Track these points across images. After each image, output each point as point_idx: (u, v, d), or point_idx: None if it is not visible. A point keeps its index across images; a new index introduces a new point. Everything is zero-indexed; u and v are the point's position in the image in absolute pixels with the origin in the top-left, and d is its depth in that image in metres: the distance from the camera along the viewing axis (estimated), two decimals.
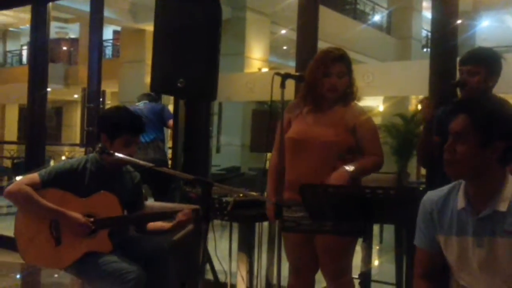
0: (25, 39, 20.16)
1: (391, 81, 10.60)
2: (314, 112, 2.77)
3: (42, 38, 5.89)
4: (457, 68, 2.84)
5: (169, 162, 5.07)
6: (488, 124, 1.71)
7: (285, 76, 2.54)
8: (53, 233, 2.63)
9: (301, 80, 2.73)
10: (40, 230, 2.63)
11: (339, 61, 2.71)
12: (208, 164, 4.79)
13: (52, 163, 9.95)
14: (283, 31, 14.24)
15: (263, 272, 3.79)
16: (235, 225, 3.46)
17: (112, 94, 15.89)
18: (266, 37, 14.40)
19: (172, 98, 5.03)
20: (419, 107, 2.78)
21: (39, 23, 5.88)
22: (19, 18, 18.56)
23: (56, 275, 2.15)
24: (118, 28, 17.24)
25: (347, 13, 16.38)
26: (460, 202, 1.81)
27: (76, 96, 19.02)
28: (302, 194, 2.22)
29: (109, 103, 16.46)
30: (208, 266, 3.30)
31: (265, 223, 3.33)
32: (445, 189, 1.90)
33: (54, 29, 19.66)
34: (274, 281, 3.76)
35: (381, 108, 15.42)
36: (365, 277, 2.31)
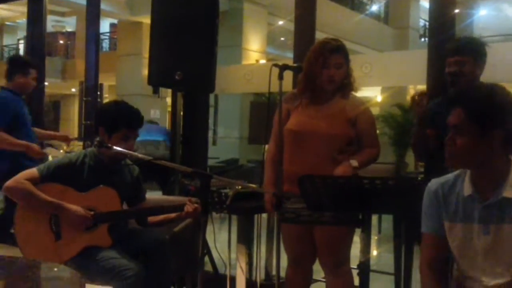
0: (22, 33, 20.10)
1: (389, 71, 10.58)
2: (313, 104, 2.77)
3: (38, 32, 5.87)
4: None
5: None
6: (483, 115, 1.71)
7: (283, 68, 2.54)
8: (52, 228, 2.63)
9: (299, 71, 2.73)
10: (40, 225, 2.63)
11: (337, 52, 2.71)
12: (206, 157, 4.79)
13: (50, 157, 9.93)
14: (281, 22, 14.20)
15: (262, 264, 3.81)
16: (234, 217, 3.47)
17: (110, 88, 15.89)
18: (264, 28, 14.36)
19: (170, 91, 5.02)
20: (411, 103, 2.78)
21: (36, 17, 5.86)
22: (15, 12, 18.50)
23: (56, 269, 2.15)
24: (115, 21, 17.18)
25: (345, 3, 16.32)
26: (467, 189, 1.81)
27: (73, 90, 19.02)
28: (300, 185, 2.23)
29: (106, 96, 16.46)
30: (207, 258, 3.32)
31: (264, 215, 3.34)
32: (450, 176, 1.89)
33: (51, 23, 19.60)
34: (273, 272, 3.78)
35: (379, 98, 15.40)
36: (364, 267, 2.33)
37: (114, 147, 2.58)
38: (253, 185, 2.83)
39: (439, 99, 2.92)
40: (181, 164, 3.80)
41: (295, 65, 2.75)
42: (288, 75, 2.71)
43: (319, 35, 3.39)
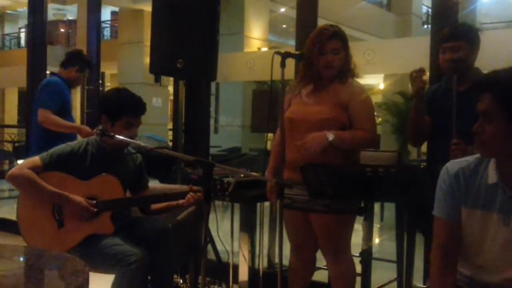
0: (23, 21, 20.03)
1: (392, 58, 10.53)
2: (312, 91, 2.77)
3: (40, 20, 5.85)
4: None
5: (170, 144, 5.09)
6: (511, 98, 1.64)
7: (285, 55, 2.53)
8: (55, 216, 2.64)
9: (301, 59, 2.72)
10: (43, 213, 2.64)
11: (334, 37, 2.71)
12: (208, 145, 4.79)
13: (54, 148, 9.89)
14: (282, 9, 14.12)
15: (265, 252, 3.82)
16: (237, 206, 3.47)
17: (112, 76, 15.86)
18: (265, 15, 14.29)
19: (172, 79, 5.01)
20: (411, 77, 2.76)
21: (37, 5, 5.84)
22: (16, 0, 18.41)
23: (59, 258, 2.16)
24: (116, 9, 17.10)
25: None
26: (492, 176, 1.74)
27: None
28: (303, 173, 2.23)
29: (108, 85, 16.45)
30: (210, 247, 3.32)
31: (267, 203, 3.34)
32: (470, 160, 1.82)
33: (52, 11, 19.54)
34: (276, 260, 3.80)
35: (381, 86, 15.36)
36: (366, 255, 2.33)
37: (117, 136, 2.58)
38: (256, 174, 2.84)
39: (436, 86, 2.91)
40: (183, 153, 3.80)
41: (297, 52, 2.74)
42: (290, 62, 2.70)
43: (321, 22, 3.37)
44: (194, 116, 4.36)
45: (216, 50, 3.56)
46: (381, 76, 14.64)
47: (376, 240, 5.82)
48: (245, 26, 13.55)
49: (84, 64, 4.35)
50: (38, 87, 4.33)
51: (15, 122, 19.29)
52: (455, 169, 1.82)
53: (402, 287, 3.29)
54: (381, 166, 2.13)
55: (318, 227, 2.74)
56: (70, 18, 21.49)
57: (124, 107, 2.70)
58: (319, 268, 3.29)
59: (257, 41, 13.87)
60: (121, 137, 2.59)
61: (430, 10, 14.91)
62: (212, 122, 11.37)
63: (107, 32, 19.94)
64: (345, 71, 2.75)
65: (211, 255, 3.38)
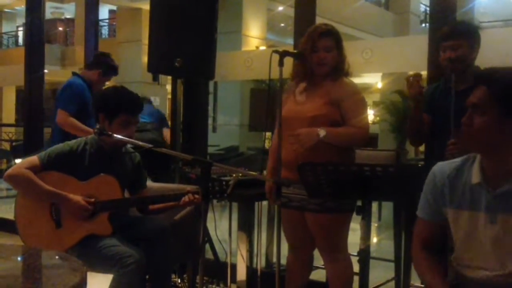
0: (21, 20, 20.01)
1: (390, 57, 10.54)
2: (305, 89, 2.78)
3: (37, 19, 5.84)
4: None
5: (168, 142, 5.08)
6: (508, 94, 1.65)
7: (283, 54, 2.53)
8: (53, 216, 2.63)
9: (299, 58, 2.72)
10: (40, 213, 2.63)
11: (326, 35, 2.71)
12: (206, 144, 4.78)
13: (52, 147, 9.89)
14: (281, 8, 14.11)
15: (263, 251, 3.82)
16: (235, 205, 3.47)
17: None
18: (263, 14, 14.28)
19: (170, 78, 5.00)
20: (408, 83, 2.76)
21: (35, 4, 5.83)
22: None
23: (57, 257, 2.16)
24: (114, 8, 17.08)
25: None
26: (475, 176, 1.76)
27: None
28: (300, 172, 2.22)
29: (106, 83, 16.41)
30: (208, 246, 3.32)
31: (265, 203, 3.34)
32: (457, 161, 1.84)
33: (50, 10, 19.51)
34: (274, 259, 3.79)
35: (379, 85, 15.38)
36: (364, 254, 2.33)
37: (115, 135, 2.58)
38: (254, 173, 2.83)
39: (436, 84, 2.91)
40: (181, 152, 3.80)
41: (295, 51, 2.74)
42: (289, 61, 2.70)
43: (319, 21, 3.37)
44: (192, 115, 4.36)
45: (214, 48, 3.56)
46: (379, 75, 14.66)
47: (374, 239, 5.82)
48: (243, 25, 13.54)
49: (107, 68, 4.27)
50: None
51: (12, 121, 19.27)
52: (440, 171, 1.85)
53: (400, 287, 3.30)
54: (379, 165, 2.13)
55: (313, 226, 2.74)
56: (68, 16, 21.47)
57: (122, 105, 2.69)
58: (317, 268, 3.29)
59: (255, 39, 13.87)
60: (119, 136, 2.58)
61: (428, 8, 14.91)
62: (210, 121, 11.37)
63: (105, 31, 19.92)
64: (338, 70, 2.75)
65: (209, 255, 3.37)
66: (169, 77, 5.12)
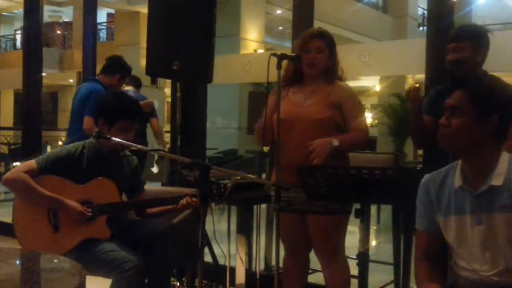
0: (19, 23, 19.98)
1: (388, 61, 10.56)
2: (298, 92, 2.79)
3: (35, 22, 5.83)
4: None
5: (167, 146, 5.08)
6: (484, 96, 1.73)
7: (281, 57, 2.53)
8: (51, 220, 2.63)
9: (297, 61, 2.72)
10: (38, 217, 2.63)
11: (318, 37, 2.75)
12: (205, 147, 4.78)
13: (49, 148, 9.93)
14: (279, 11, 14.14)
15: (262, 254, 3.81)
16: (234, 208, 3.47)
17: None
18: (262, 17, 14.30)
19: (168, 81, 5.00)
20: (409, 95, 2.77)
21: (33, 7, 5.82)
22: (12, 2, 18.38)
23: (56, 260, 2.16)
24: (112, 11, 17.08)
25: None
26: (457, 180, 1.82)
27: (71, 80, 18.92)
28: (299, 176, 2.22)
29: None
30: (207, 249, 3.32)
31: (263, 206, 3.34)
32: (443, 170, 1.91)
33: (48, 13, 19.48)
34: (273, 262, 3.79)
35: (377, 88, 15.39)
36: (363, 257, 2.33)
37: (113, 138, 2.57)
38: (252, 176, 2.83)
39: (440, 86, 2.91)
40: (180, 155, 3.79)
41: (293, 54, 2.74)
42: (285, 64, 2.71)
43: (318, 24, 3.38)
44: (190, 118, 4.35)
45: (212, 52, 3.55)
46: (377, 78, 14.68)
47: (373, 243, 5.82)
48: (241, 28, 13.56)
49: (126, 72, 4.38)
50: (78, 93, 4.31)
51: (11, 124, 19.23)
52: (427, 182, 1.92)
53: None
54: (377, 168, 2.13)
55: (315, 228, 2.74)
56: (66, 20, 21.46)
57: (122, 111, 2.69)
58: (316, 271, 3.29)
59: (253, 43, 13.88)
60: (117, 139, 2.58)
61: (426, 12, 14.94)
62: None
63: (103, 34, 19.92)
64: (331, 73, 2.77)
65: (208, 258, 3.37)
66: (168, 80, 5.12)
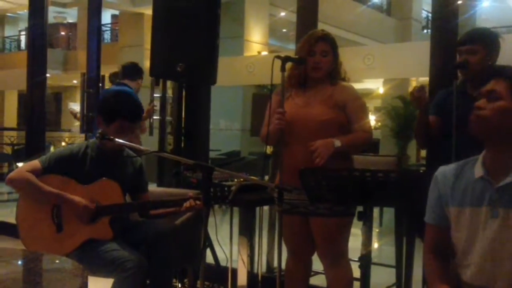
0: (23, 24, 20.06)
1: (391, 63, 10.55)
2: (301, 93, 2.79)
3: (40, 23, 5.85)
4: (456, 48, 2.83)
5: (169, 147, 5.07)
6: None
7: (285, 59, 2.53)
8: (54, 220, 2.63)
9: (301, 63, 2.73)
10: (42, 217, 2.63)
11: (323, 40, 2.75)
12: (208, 149, 4.78)
13: (52, 149, 9.94)
14: (283, 14, 14.15)
15: (264, 256, 3.81)
16: (236, 210, 3.46)
17: None
18: (266, 19, 14.31)
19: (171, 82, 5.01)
20: (412, 96, 2.77)
21: (37, 8, 5.84)
22: (17, 3, 18.42)
23: (58, 261, 2.16)
24: (117, 12, 17.12)
25: None
26: (478, 171, 1.78)
27: (75, 81, 18.98)
28: (302, 178, 2.22)
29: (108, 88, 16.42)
30: (209, 251, 3.32)
31: (266, 207, 3.33)
32: (459, 163, 1.88)
33: (52, 14, 19.54)
34: (275, 264, 3.79)
35: (381, 90, 15.38)
36: (365, 259, 2.32)
37: (116, 139, 2.57)
38: (255, 178, 2.83)
39: (450, 88, 2.90)
40: (182, 156, 3.79)
41: (297, 57, 2.74)
42: (290, 66, 2.71)
43: (321, 27, 3.37)
44: (193, 119, 4.36)
45: (216, 53, 3.56)
46: (381, 80, 14.67)
47: (375, 245, 5.81)
48: (245, 30, 13.57)
49: (142, 76, 4.80)
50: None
51: (14, 125, 19.28)
52: (441, 174, 1.89)
53: None
54: (380, 171, 2.13)
55: (319, 231, 2.73)
56: (71, 21, 21.53)
57: (120, 111, 2.68)
58: (318, 273, 3.28)
59: (257, 45, 13.89)
60: (121, 140, 2.59)
61: (430, 15, 14.93)
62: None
63: (107, 35, 19.95)
64: (334, 75, 2.77)
65: (210, 259, 3.37)
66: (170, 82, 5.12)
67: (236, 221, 3.42)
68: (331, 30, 3.03)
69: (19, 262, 2.12)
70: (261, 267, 3.51)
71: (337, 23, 12.22)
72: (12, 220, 2.78)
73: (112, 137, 2.56)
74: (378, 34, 15.31)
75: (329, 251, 2.76)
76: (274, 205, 2.89)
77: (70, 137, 14.99)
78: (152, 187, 3.10)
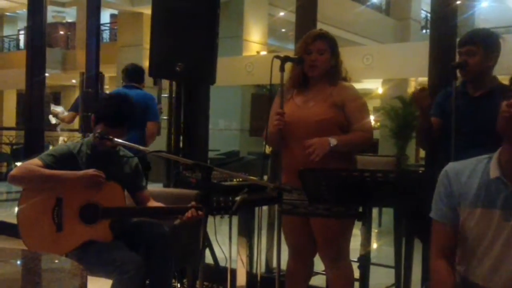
0: (22, 23, 20.03)
1: (390, 63, 10.57)
2: (302, 93, 2.78)
3: (39, 22, 5.84)
4: (456, 49, 2.83)
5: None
6: None
7: (284, 59, 2.53)
8: (54, 219, 2.63)
9: (300, 63, 2.72)
10: (42, 215, 2.62)
11: (319, 38, 2.73)
12: (207, 149, 4.78)
13: (51, 148, 9.90)
14: (282, 13, 14.14)
15: (263, 256, 3.81)
16: None
17: (110, 79, 15.85)
18: (265, 19, 14.32)
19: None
20: (412, 98, 2.78)
21: (36, 8, 5.83)
22: (15, 2, 18.40)
23: (57, 261, 2.16)
24: (116, 12, 17.12)
25: None
26: (493, 171, 1.73)
27: (74, 81, 18.97)
28: (301, 178, 2.22)
29: (107, 87, 16.44)
30: (208, 251, 3.31)
31: (265, 208, 3.33)
32: (470, 161, 1.82)
33: (51, 13, 19.55)
34: (274, 265, 3.79)
35: (380, 90, 15.39)
36: (364, 260, 2.33)
37: (115, 139, 2.57)
38: (254, 178, 2.82)
39: (449, 88, 2.90)
40: (181, 156, 3.79)
41: (296, 57, 2.74)
42: (290, 67, 2.71)
43: (320, 26, 3.37)
44: (192, 119, 4.35)
45: (215, 53, 3.56)
46: (380, 80, 14.67)
47: (374, 245, 5.81)
48: (244, 30, 13.58)
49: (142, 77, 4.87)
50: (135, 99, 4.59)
51: (13, 124, 19.27)
52: (453, 171, 1.82)
53: None
54: (380, 171, 2.13)
55: (319, 231, 2.73)
56: (70, 20, 21.51)
57: (102, 114, 2.69)
58: (317, 273, 3.28)
59: (256, 45, 13.89)
60: (120, 140, 2.58)
61: (429, 15, 14.94)
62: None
63: (106, 35, 19.95)
64: (334, 74, 2.76)
65: (209, 259, 3.37)
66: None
67: (235, 221, 3.42)
68: (330, 30, 3.02)
69: (18, 262, 2.12)
70: (260, 267, 3.51)
71: (336, 23, 12.21)
72: (10, 219, 2.78)
73: (112, 137, 2.56)
74: (377, 34, 15.31)
75: (330, 251, 2.76)
76: (274, 206, 2.89)
77: (69, 137, 14.97)
78: (152, 188, 3.10)
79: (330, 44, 2.75)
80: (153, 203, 2.86)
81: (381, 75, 12.30)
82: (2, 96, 21.53)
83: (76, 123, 6.21)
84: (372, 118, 15.63)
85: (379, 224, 6.56)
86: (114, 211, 2.65)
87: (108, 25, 20.28)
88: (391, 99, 12.68)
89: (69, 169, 2.64)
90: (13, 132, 14.68)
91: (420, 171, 3.95)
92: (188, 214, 2.60)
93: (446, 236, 1.83)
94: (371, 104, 16.98)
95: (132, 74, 4.79)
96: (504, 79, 2.28)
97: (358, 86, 2.82)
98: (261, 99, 12.47)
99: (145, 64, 4.00)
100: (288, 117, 2.68)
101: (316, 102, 2.72)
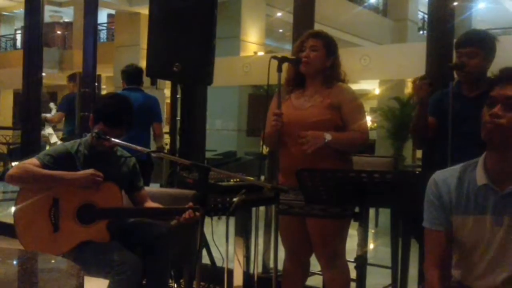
0: (19, 23, 19.99)
1: (388, 64, 10.57)
2: (299, 94, 2.79)
3: (36, 22, 5.82)
4: (453, 50, 2.84)
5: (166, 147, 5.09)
6: None
7: (281, 60, 2.53)
8: (51, 220, 2.62)
9: (297, 64, 2.73)
10: (39, 216, 2.62)
11: (313, 36, 2.74)
12: (204, 149, 4.79)
13: (47, 148, 9.88)
14: (279, 14, 14.15)
15: (260, 256, 3.81)
16: None
17: (107, 79, 15.84)
18: (262, 20, 14.32)
19: (168, 82, 5.02)
20: (412, 87, 2.78)
21: (33, 7, 5.82)
22: (12, 2, 18.40)
23: (54, 261, 2.15)
24: (113, 12, 17.10)
25: None
26: (480, 178, 1.72)
27: None
28: (299, 178, 2.22)
29: (104, 88, 16.43)
30: (205, 251, 3.32)
31: (262, 208, 3.33)
32: (456, 168, 1.81)
33: (48, 13, 19.50)
34: (271, 265, 3.79)
35: (377, 91, 15.41)
36: (361, 260, 2.33)
37: (113, 139, 2.57)
38: (251, 178, 2.83)
39: (445, 89, 2.91)
40: (179, 156, 3.79)
41: (293, 57, 2.74)
42: (287, 67, 2.71)
43: (318, 27, 3.38)
44: (190, 119, 4.35)
45: (212, 54, 3.56)
46: (377, 81, 14.69)
47: (371, 246, 5.82)
48: (241, 30, 13.58)
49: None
50: (143, 101, 4.65)
51: (10, 124, 19.21)
52: (441, 180, 1.81)
53: None
54: (377, 171, 2.13)
55: (314, 231, 2.73)
56: (67, 20, 21.47)
57: (101, 114, 2.69)
58: (314, 274, 3.28)
59: (253, 45, 13.90)
60: (117, 140, 2.58)
61: (426, 16, 14.96)
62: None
63: (103, 35, 19.93)
64: (330, 75, 2.75)
65: (206, 260, 3.37)
66: (167, 82, 5.13)
67: (232, 221, 3.42)
68: (328, 30, 3.02)
69: (15, 262, 2.12)
70: (257, 267, 3.51)
71: (334, 24, 12.22)
72: (7, 219, 2.77)
73: (109, 137, 2.56)
74: (374, 35, 15.34)
75: (325, 251, 2.76)
76: (271, 206, 2.89)
77: (67, 136, 14.93)
78: (149, 188, 3.09)
79: (325, 43, 2.74)
80: (150, 204, 2.86)
81: (378, 76, 12.30)
82: None
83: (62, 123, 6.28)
84: (369, 119, 15.70)
85: (376, 225, 6.57)
86: (111, 212, 2.64)
87: (106, 25, 20.26)
88: (388, 100, 12.70)
89: (66, 169, 2.63)
90: (9, 132, 14.63)
91: (417, 172, 3.95)
92: (185, 215, 2.59)
93: (441, 244, 1.82)
94: (368, 105, 17.01)
95: (132, 76, 4.80)
96: None
97: (355, 87, 2.82)
98: (258, 100, 12.47)
99: (142, 64, 4.00)
100: (285, 117, 2.69)
101: (313, 103, 2.73)
